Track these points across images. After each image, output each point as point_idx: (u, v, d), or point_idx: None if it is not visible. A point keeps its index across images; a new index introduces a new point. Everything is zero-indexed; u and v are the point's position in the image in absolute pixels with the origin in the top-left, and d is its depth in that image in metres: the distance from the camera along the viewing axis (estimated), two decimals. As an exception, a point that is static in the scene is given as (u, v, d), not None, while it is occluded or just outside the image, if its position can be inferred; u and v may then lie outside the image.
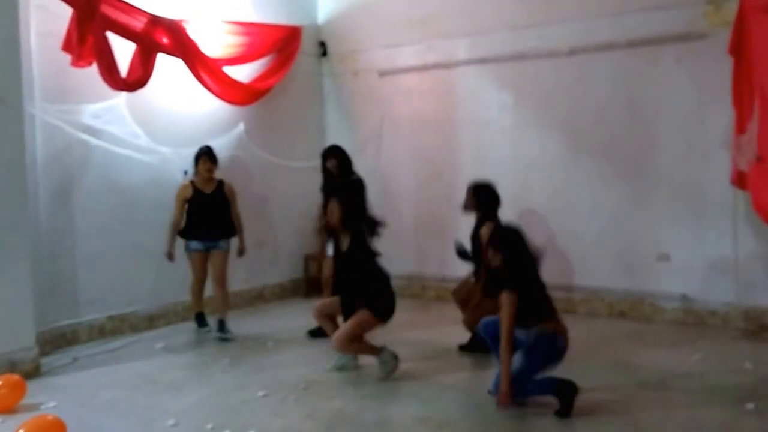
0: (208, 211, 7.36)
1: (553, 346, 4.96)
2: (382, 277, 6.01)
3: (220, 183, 7.47)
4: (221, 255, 7.42)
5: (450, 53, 8.99)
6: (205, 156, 7.36)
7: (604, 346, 6.72)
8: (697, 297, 7.44)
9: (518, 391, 4.94)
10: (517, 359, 4.94)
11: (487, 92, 8.71)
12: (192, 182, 7.42)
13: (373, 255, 6.01)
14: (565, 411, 4.83)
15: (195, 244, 7.38)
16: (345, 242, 6.01)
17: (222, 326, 7.30)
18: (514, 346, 4.97)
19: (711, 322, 7.35)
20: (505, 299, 4.88)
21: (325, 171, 7.57)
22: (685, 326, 7.40)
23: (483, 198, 6.62)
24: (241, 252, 7.67)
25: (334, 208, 6.01)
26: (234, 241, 7.63)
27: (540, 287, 5.10)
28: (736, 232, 7.12)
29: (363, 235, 6.01)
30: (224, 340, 7.20)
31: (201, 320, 7.68)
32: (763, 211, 5.99)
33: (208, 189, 7.39)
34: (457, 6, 8.90)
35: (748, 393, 5.20)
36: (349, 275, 6.01)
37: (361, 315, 5.81)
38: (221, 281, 7.41)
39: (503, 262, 5.09)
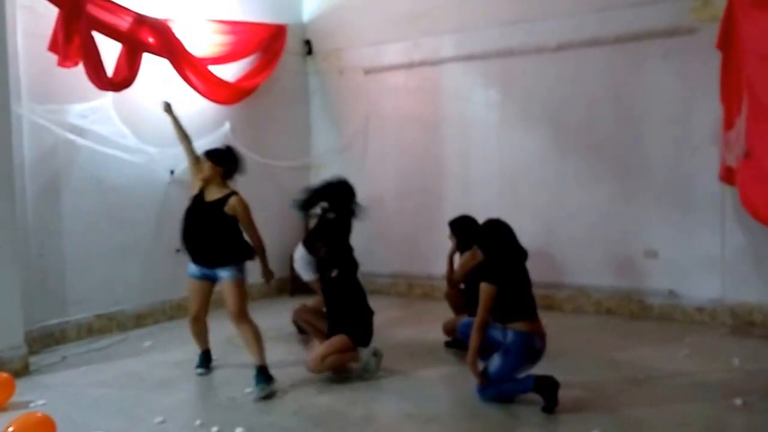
0: (195, 224, 5.80)
1: (530, 347, 5.01)
2: (366, 311, 6.10)
3: (228, 196, 5.73)
4: (227, 287, 5.75)
5: (436, 50, 9.05)
6: (207, 155, 5.85)
7: (592, 342, 6.78)
8: (684, 293, 7.53)
9: (496, 393, 5.04)
10: (495, 360, 5.01)
11: (474, 89, 8.77)
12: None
13: (359, 288, 6.16)
14: (550, 406, 4.88)
15: (192, 269, 5.92)
16: (333, 272, 6.10)
17: (259, 377, 5.54)
18: (491, 346, 5.05)
19: (698, 318, 7.44)
20: (483, 290, 4.97)
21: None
22: (673, 323, 7.49)
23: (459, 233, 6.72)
24: (266, 277, 6.06)
25: (321, 248, 6.39)
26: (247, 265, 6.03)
27: (523, 285, 5.16)
28: (724, 229, 7.21)
29: (350, 268, 6.18)
30: (266, 398, 5.40)
31: (202, 359, 6.26)
32: (750, 206, 6.03)
33: (211, 196, 5.78)
34: (443, 2, 8.97)
35: (735, 389, 5.26)
36: (337, 302, 6.10)
37: (340, 339, 5.85)
38: (235, 317, 5.78)
39: (484, 257, 5.17)
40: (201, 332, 6.19)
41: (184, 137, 6.29)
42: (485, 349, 5.13)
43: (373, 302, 6.32)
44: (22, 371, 6.01)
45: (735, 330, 7.04)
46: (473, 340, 5.01)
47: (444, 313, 7.09)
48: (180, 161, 8.09)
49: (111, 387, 5.77)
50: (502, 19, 8.46)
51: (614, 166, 7.83)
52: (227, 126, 8.76)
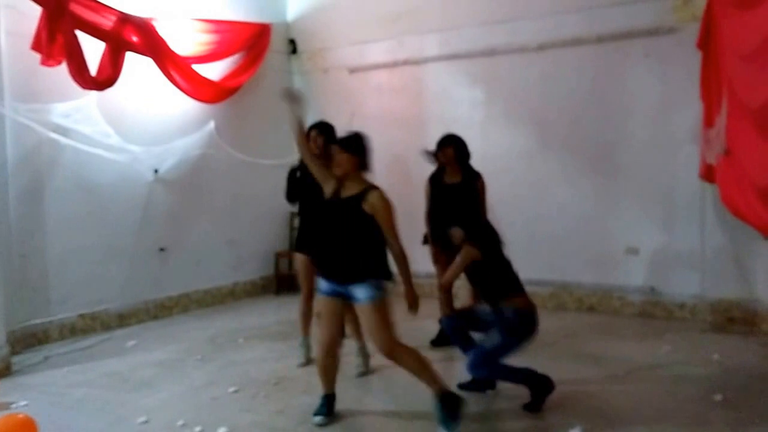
0: (326, 227, 4.73)
1: (532, 323, 5.00)
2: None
3: (366, 190, 4.61)
4: (365, 313, 4.60)
5: (420, 49, 9.06)
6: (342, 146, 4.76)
7: (573, 339, 6.83)
8: (665, 290, 7.59)
9: (490, 372, 5.02)
10: (495, 336, 4.94)
11: (458, 88, 8.80)
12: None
13: None
14: (535, 405, 4.91)
15: (322, 284, 4.77)
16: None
17: (442, 409, 4.55)
18: (483, 324, 5.06)
19: (679, 314, 7.50)
20: (465, 251, 4.99)
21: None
22: (654, 319, 7.55)
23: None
24: (410, 301, 4.79)
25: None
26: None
27: (505, 262, 5.14)
28: (704, 226, 7.26)
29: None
30: None
31: (325, 404, 4.95)
32: (730, 204, 6.08)
33: (347, 192, 4.66)
34: (427, 2, 8.99)
35: (715, 384, 5.32)
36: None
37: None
38: (384, 350, 4.63)
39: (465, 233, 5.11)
40: (331, 368, 4.90)
41: (302, 135, 5.04)
42: (479, 325, 5.13)
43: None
44: (4, 372, 6.00)
45: (715, 326, 7.09)
46: (447, 278, 5.21)
47: (428, 311, 7.10)
48: (163, 160, 8.11)
49: (94, 387, 5.76)
50: (486, 18, 8.49)
51: (596, 165, 7.88)
52: (212, 125, 8.77)
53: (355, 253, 4.55)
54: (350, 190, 4.63)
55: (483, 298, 5.15)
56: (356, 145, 4.70)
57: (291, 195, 6.25)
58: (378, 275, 4.61)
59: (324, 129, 6.03)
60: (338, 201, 4.64)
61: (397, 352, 4.60)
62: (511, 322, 4.92)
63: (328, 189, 4.73)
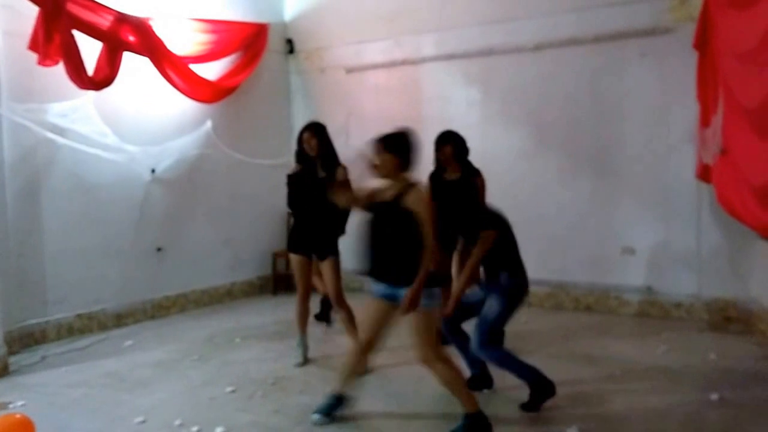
0: (374, 230, 4.60)
1: (525, 284, 5.11)
2: None
3: (406, 189, 4.46)
4: (411, 315, 4.41)
5: (417, 49, 9.06)
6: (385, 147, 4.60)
7: (570, 339, 6.83)
8: (661, 289, 7.60)
9: (499, 358, 5.02)
10: (493, 305, 4.95)
11: (455, 88, 8.80)
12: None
13: None
14: (532, 406, 4.92)
15: (375, 286, 4.65)
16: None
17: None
18: (475, 307, 5.11)
19: (676, 314, 7.51)
20: (484, 236, 5.01)
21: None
22: (650, 318, 7.56)
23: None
24: (408, 300, 4.36)
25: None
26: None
27: (514, 240, 5.23)
28: (700, 225, 7.28)
29: None
30: None
31: (331, 404, 4.93)
32: (726, 203, 6.09)
33: (388, 194, 4.54)
34: (424, 2, 8.98)
35: (712, 383, 5.34)
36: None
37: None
38: (423, 357, 4.52)
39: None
40: (356, 370, 4.89)
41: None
42: (471, 311, 5.16)
43: (356, 300, 6.34)
44: (1, 372, 6.00)
45: (711, 325, 7.10)
46: (465, 279, 5.07)
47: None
48: (160, 160, 8.13)
49: (91, 387, 5.76)
50: (483, 18, 8.49)
51: (592, 164, 7.89)
52: (209, 124, 8.76)
53: (407, 255, 4.37)
54: (392, 191, 4.50)
55: (486, 270, 5.14)
56: (398, 145, 4.55)
57: (292, 202, 6.21)
58: (429, 280, 4.38)
59: (317, 130, 6.01)
60: (382, 204, 4.52)
61: (434, 362, 4.47)
62: (505, 286, 4.99)
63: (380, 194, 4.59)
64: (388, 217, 4.46)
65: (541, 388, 4.93)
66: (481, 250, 5.02)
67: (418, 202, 4.35)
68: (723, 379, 5.46)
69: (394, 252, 4.44)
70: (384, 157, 4.50)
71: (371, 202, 4.61)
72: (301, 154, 6.13)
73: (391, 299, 4.50)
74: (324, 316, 7.78)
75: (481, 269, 5.20)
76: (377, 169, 4.53)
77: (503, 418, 4.85)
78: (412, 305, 4.35)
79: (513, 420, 4.82)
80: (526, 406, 4.93)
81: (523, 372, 4.98)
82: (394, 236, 4.43)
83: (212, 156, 8.79)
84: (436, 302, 4.47)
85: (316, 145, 5.89)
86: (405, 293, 4.35)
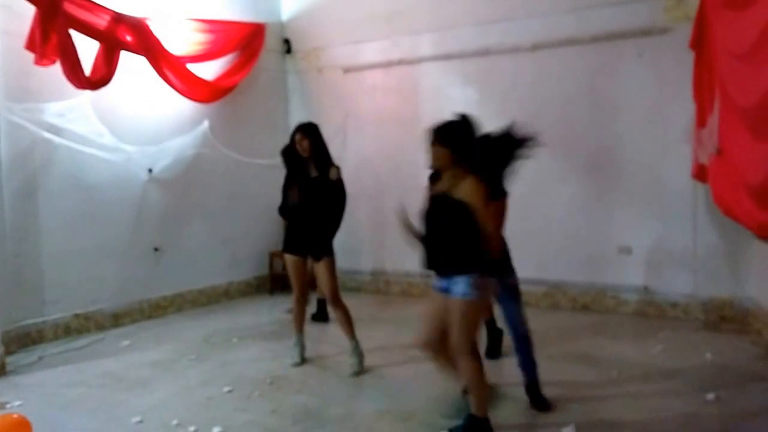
0: (429, 223, 4.48)
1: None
2: None
3: (460, 178, 4.30)
4: (455, 307, 4.28)
5: (414, 49, 9.06)
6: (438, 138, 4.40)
7: (567, 338, 6.84)
8: (658, 289, 7.60)
9: (527, 359, 5.08)
10: (509, 307, 5.08)
11: (452, 88, 8.79)
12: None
13: None
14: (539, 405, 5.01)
15: (435, 281, 4.50)
16: None
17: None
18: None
19: (672, 313, 7.52)
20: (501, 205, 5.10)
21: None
22: (647, 318, 7.56)
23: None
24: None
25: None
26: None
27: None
28: (696, 225, 7.28)
29: None
30: None
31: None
32: (722, 203, 6.10)
33: (443, 186, 4.41)
34: (421, 2, 8.98)
35: (708, 383, 5.34)
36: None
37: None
38: (459, 349, 4.36)
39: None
40: (448, 365, 4.61)
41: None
42: None
43: (352, 299, 6.36)
44: (-2, 371, 6.01)
45: (707, 325, 7.11)
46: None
47: (421, 310, 7.09)
48: (158, 160, 8.14)
49: (88, 387, 5.76)
50: (480, 18, 8.49)
51: (589, 164, 7.89)
52: (206, 124, 8.77)
53: (456, 246, 4.25)
54: (445, 183, 4.36)
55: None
56: (451, 137, 4.32)
57: (284, 210, 6.21)
58: (472, 268, 4.23)
59: (308, 131, 5.98)
60: (436, 196, 4.41)
61: (465, 355, 4.32)
62: (513, 285, 5.14)
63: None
64: (441, 209, 4.33)
65: (535, 392, 5.03)
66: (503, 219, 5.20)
67: (470, 193, 4.18)
68: (719, 379, 5.46)
69: (447, 243, 4.30)
70: (437, 149, 4.34)
71: (429, 195, 4.51)
72: (290, 154, 6.09)
73: (447, 292, 4.34)
74: (321, 316, 7.81)
75: None
76: (432, 161, 4.40)
77: (501, 418, 4.85)
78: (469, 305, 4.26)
79: (510, 420, 4.82)
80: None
81: (531, 369, 5.08)
82: (446, 228, 4.29)
83: (209, 156, 8.80)
84: (485, 294, 4.35)
85: (308, 146, 5.89)
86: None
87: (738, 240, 6.93)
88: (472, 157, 4.33)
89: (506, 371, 5.60)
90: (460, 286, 4.21)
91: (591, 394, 5.22)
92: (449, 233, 4.26)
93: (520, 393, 5.03)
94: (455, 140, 4.31)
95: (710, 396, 5.05)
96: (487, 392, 4.47)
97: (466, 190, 4.19)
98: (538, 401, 4.98)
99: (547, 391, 5.06)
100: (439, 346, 4.47)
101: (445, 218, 4.29)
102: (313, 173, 5.92)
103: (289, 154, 6.30)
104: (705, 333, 6.90)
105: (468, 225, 4.19)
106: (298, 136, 5.93)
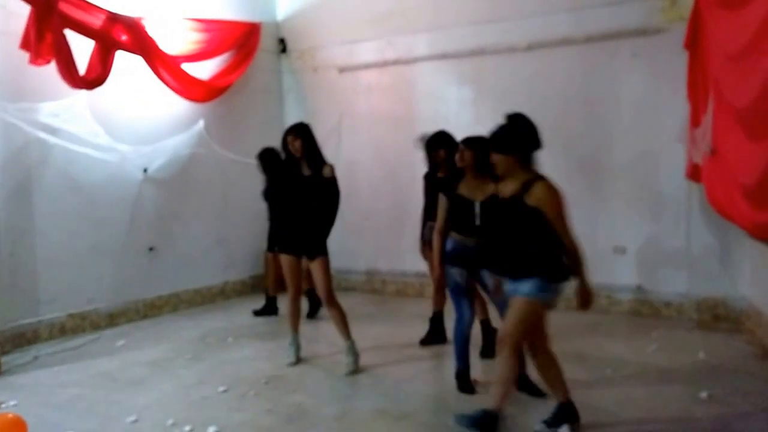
0: (494, 225, 4.59)
1: None
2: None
3: (529, 183, 4.29)
4: (519, 305, 4.33)
5: (409, 49, 9.07)
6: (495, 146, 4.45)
7: (561, 337, 6.78)
8: (652, 288, 7.63)
9: None
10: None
11: (447, 88, 8.82)
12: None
13: None
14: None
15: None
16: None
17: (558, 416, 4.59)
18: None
19: (666, 312, 7.54)
20: None
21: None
22: (641, 317, 7.59)
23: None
24: (583, 298, 4.52)
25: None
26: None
27: None
28: (690, 225, 7.30)
29: None
30: None
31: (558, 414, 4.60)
32: (716, 203, 6.10)
33: (508, 190, 4.39)
34: (416, 2, 9.00)
35: (701, 382, 5.36)
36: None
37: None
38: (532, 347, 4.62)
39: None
40: (551, 368, 4.63)
41: None
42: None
43: (347, 299, 6.37)
44: (-7, 371, 6.01)
45: (701, 324, 7.14)
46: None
47: (416, 310, 7.14)
48: (153, 159, 8.13)
49: (83, 387, 5.76)
50: (475, 18, 8.51)
51: (583, 164, 7.90)
52: (201, 124, 8.77)
53: (522, 250, 4.27)
54: (511, 186, 4.32)
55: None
56: (507, 143, 4.32)
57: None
58: (548, 274, 4.27)
59: (300, 130, 5.96)
60: (500, 201, 4.38)
61: (510, 350, 4.36)
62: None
63: (487, 191, 4.54)
64: (510, 213, 4.31)
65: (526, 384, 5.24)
66: None
67: (542, 199, 4.18)
68: (712, 378, 5.48)
69: (512, 248, 4.33)
70: (497, 158, 4.33)
71: (492, 198, 4.53)
72: (273, 157, 6.12)
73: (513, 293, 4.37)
74: (313, 312, 8.01)
75: None
76: (496, 170, 4.39)
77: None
78: (586, 303, 4.40)
79: (504, 418, 4.84)
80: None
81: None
82: (513, 233, 4.31)
83: (205, 155, 8.80)
84: (551, 297, 4.34)
85: (300, 146, 5.88)
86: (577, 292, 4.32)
87: (731, 240, 6.95)
88: (532, 155, 4.34)
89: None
90: (526, 286, 4.24)
91: (585, 392, 5.22)
92: (519, 237, 4.27)
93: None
94: (511, 146, 4.30)
95: (703, 394, 5.08)
96: (511, 392, 4.53)
97: (539, 197, 4.18)
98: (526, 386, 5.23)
99: (542, 390, 5.08)
100: (538, 338, 4.51)
101: (517, 224, 4.26)
102: (306, 172, 5.93)
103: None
104: (698, 332, 6.92)
105: (541, 231, 4.18)
106: (290, 138, 5.94)
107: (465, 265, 5.27)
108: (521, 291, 4.27)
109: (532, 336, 4.47)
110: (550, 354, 4.58)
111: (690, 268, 7.36)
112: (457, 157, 5.44)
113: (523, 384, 5.20)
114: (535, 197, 4.17)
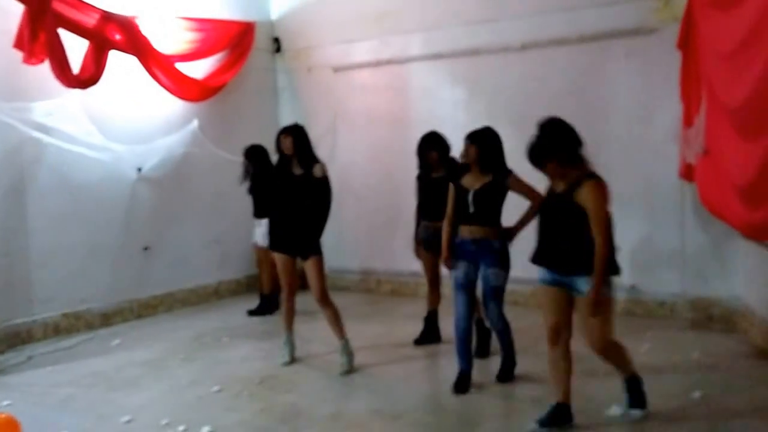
0: (548, 219, 4.71)
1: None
2: None
3: (578, 181, 4.50)
4: (585, 304, 4.44)
5: (404, 49, 9.06)
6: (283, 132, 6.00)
7: (554, 337, 6.86)
8: (645, 288, 7.61)
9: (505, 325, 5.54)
10: (499, 274, 5.41)
11: (441, 88, 8.81)
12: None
13: None
14: (507, 377, 5.53)
15: (543, 272, 4.72)
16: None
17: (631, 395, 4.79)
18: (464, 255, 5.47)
19: (659, 312, 7.54)
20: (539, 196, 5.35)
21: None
22: (634, 317, 7.56)
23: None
24: (591, 302, 4.40)
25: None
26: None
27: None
28: (684, 225, 7.30)
29: None
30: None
31: (558, 412, 4.66)
32: (709, 203, 6.11)
33: (560, 187, 4.59)
34: (411, 1, 8.99)
35: (694, 382, 5.37)
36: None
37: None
38: (599, 347, 4.69)
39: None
40: (563, 364, 4.72)
41: None
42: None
43: (341, 299, 6.36)
44: (-13, 371, 6.00)
45: (695, 324, 7.14)
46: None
47: (410, 310, 7.14)
48: (147, 159, 8.12)
49: (77, 386, 5.76)
50: (469, 18, 8.51)
51: (578, 164, 7.91)
52: (195, 123, 8.75)
53: (580, 245, 4.37)
54: (563, 184, 4.49)
55: (484, 223, 5.48)
56: (550, 151, 4.49)
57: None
58: (609, 269, 4.41)
59: (292, 130, 6.02)
60: (554, 197, 4.56)
61: (610, 350, 4.59)
62: (502, 251, 5.46)
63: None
64: (560, 210, 4.47)
65: (512, 363, 5.58)
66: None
67: (589, 198, 4.33)
68: (705, 378, 5.49)
69: (568, 243, 4.43)
70: (545, 166, 4.49)
71: (547, 193, 4.69)
72: (261, 155, 6.96)
73: (561, 285, 4.52)
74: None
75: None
76: (549, 175, 4.56)
77: (489, 417, 4.92)
78: (597, 305, 4.37)
79: (497, 417, 4.87)
80: (502, 377, 5.46)
81: (510, 346, 5.59)
82: (568, 228, 4.42)
83: (199, 155, 8.78)
84: (612, 290, 4.49)
85: (290, 144, 5.90)
86: (587, 294, 4.36)
87: (725, 239, 6.96)
88: (580, 149, 4.54)
89: (495, 370, 5.63)
90: (589, 284, 4.33)
91: (577, 391, 5.20)
92: (573, 234, 4.38)
93: (501, 389, 5.10)
94: (554, 152, 4.46)
95: (696, 394, 5.09)
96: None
97: (584, 195, 4.33)
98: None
99: (534, 389, 5.18)
100: (565, 331, 4.64)
101: (569, 221, 4.40)
102: (297, 171, 5.93)
103: (258, 153, 6.57)
104: (692, 332, 6.94)
105: (585, 226, 4.32)
106: (281, 136, 5.97)
107: (467, 259, 5.46)
108: (585, 290, 4.37)
109: (564, 324, 4.62)
110: (568, 351, 4.69)
111: (684, 268, 7.36)
112: (462, 152, 5.68)
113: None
114: (581, 195, 4.33)
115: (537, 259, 4.65)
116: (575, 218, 4.34)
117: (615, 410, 4.78)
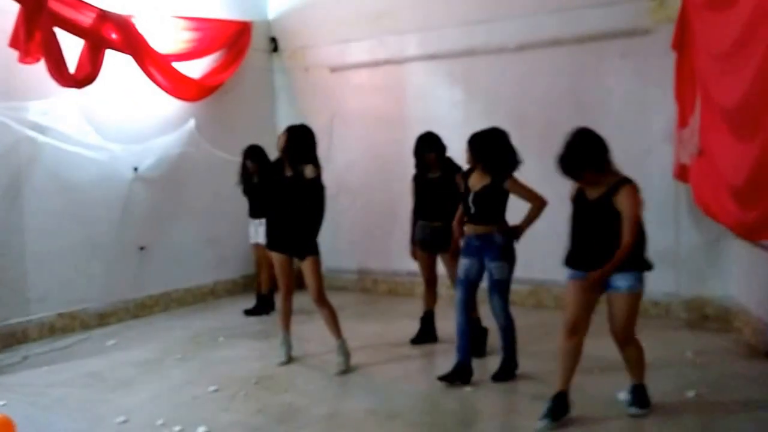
0: (582, 224, 4.83)
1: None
2: None
3: (615, 186, 4.67)
4: (622, 301, 4.67)
5: (401, 49, 9.07)
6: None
7: (551, 337, 6.79)
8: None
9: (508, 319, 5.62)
10: (503, 267, 5.53)
11: (438, 88, 8.82)
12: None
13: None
14: (504, 377, 5.51)
15: (571, 272, 4.82)
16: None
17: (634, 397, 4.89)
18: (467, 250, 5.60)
19: (654, 312, 7.54)
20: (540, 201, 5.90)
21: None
22: (629, 316, 7.59)
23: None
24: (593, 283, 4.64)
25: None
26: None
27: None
28: (679, 225, 7.33)
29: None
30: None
31: (557, 405, 4.69)
32: (703, 203, 6.14)
33: (594, 194, 4.72)
34: (408, 2, 9.00)
35: (688, 381, 5.39)
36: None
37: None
38: (623, 338, 4.86)
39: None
40: (573, 357, 4.79)
41: None
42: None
43: (338, 298, 6.36)
44: (-18, 371, 5.99)
45: (689, 324, 7.17)
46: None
47: (408, 308, 7.13)
48: (143, 158, 8.11)
49: (73, 387, 5.75)
50: (465, 19, 8.52)
51: (574, 164, 7.92)
52: (192, 123, 8.75)
53: (617, 246, 4.52)
54: (598, 190, 4.64)
55: (485, 222, 5.58)
56: (581, 162, 4.67)
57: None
58: (639, 266, 4.64)
59: (290, 130, 6.08)
60: (588, 203, 4.68)
61: (631, 342, 4.81)
62: (504, 245, 5.58)
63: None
64: (597, 214, 4.62)
65: (513, 364, 5.58)
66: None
67: (626, 202, 4.53)
68: (699, 377, 5.50)
69: (603, 245, 4.57)
70: (582, 177, 4.67)
71: (576, 199, 4.81)
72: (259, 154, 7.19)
73: (606, 286, 4.64)
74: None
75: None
76: (585, 183, 4.71)
77: (486, 416, 4.91)
78: (596, 284, 4.58)
79: (494, 416, 4.87)
80: (497, 377, 5.46)
81: (513, 345, 5.61)
82: (602, 231, 4.58)
83: (195, 154, 8.78)
84: (643, 287, 4.67)
85: (283, 143, 5.90)
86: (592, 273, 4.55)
87: (719, 239, 6.98)
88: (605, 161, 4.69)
89: (492, 368, 5.64)
90: (626, 280, 4.55)
91: (572, 390, 5.22)
92: (610, 235, 4.52)
93: (497, 388, 5.11)
94: (586, 162, 4.65)
95: (690, 394, 5.11)
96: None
97: (624, 200, 4.53)
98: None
99: (530, 387, 5.20)
100: (583, 327, 4.74)
101: (606, 223, 4.55)
102: (288, 173, 5.93)
103: (256, 154, 6.65)
104: (686, 331, 6.96)
105: (620, 229, 4.50)
106: (280, 135, 6.01)
107: (471, 255, 5.60)
108: (622, 286, 4.56)
109: (583, 321, 4.73)
110: (580, 344, 4.77)
111: (678, 268, 7.38)
112: (467, 157, 5.94)
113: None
114: (618, 200, 4.53)
115: (573, 262, 4.77)
116: (612, 221, 4.52)
117: (623, 396, 4.92)
